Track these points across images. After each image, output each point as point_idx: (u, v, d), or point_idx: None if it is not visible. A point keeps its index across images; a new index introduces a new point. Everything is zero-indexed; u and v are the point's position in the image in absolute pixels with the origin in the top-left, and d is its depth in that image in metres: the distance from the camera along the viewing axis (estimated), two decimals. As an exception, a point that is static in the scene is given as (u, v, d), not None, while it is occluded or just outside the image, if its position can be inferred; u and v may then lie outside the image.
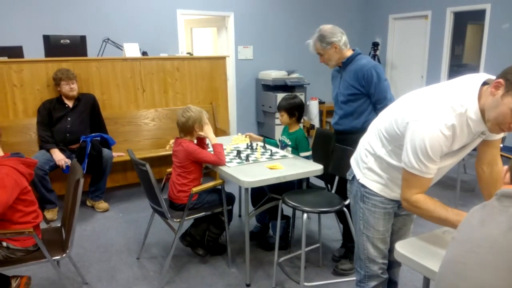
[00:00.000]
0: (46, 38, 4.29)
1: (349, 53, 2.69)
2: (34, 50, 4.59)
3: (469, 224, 1.10)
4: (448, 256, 1.12)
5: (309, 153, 3.12)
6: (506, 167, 1.15)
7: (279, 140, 3.37)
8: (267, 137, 3.57)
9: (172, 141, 3.04)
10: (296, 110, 3.16)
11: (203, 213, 2.88)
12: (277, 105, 3.24)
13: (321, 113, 7.71)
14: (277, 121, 6.73)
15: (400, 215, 1.92)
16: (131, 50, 4.77)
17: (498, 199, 1.05)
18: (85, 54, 4.47)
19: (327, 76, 7.79)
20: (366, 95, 2.65)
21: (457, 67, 7.66)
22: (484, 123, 1.46)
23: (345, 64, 2.70)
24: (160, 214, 2.86)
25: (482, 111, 1.43)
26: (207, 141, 3.06)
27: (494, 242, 0.97)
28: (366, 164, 1.80)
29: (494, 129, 1.43)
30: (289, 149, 3.20)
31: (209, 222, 3.04)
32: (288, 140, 3.23)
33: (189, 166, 2.83)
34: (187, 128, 2.85)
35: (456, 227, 1.44)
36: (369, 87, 2.59)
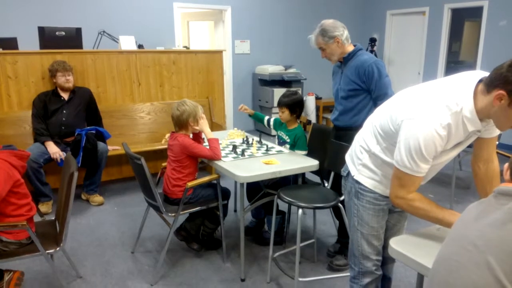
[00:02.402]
0: (41, 30, 4.25)
1: (350, 48, 2.67)
2: (29, 41, 4.55)
3: (464, 220, 1.10)
4: (442, 252, 1.12)
5: (305, 152, 3.11)
6: (507, 164, 1.14)
7: (277, 136, 3.35)
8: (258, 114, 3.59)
9: (167, 135, 3.02)
10: (297, 107, 3.14)
11: (198, 207, 2.87)
12: (278, 101, 3.19)
13: (317, 108, 7.71)
14: (274, 116, 6.72)
15: (395, 212, 1.92)
16: (127, 43, 4.74)
17: (495, 197, 1.05)
18: (80, 47, 4.43)
19: (324, 71, 7.79)
20: (366, 91, 2.63)
21: (454, 64, 7.67)
22: (480, 122, 1.45)
23: (346, 59, 2.68)
24: (155, 208, 2.85)
25: (478, 110, 1.43)
26: (203, 136, 3.04)
27: (488, 240, 0.97)
28: (361, 160, 1.79)
29: (506, 128, 1.44)
30: (287, 146, 3.18)
31: (204, 217, 3.03)
32: (287, 136, 3.21)
33: (184, 160, 2.82)
34: (181, 122, 2.83)
35: (451, 226, 1.45)
36: (370, 83, 2.58)
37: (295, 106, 3.12)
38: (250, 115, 3.52)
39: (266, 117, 3.48)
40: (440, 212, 1.53)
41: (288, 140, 3.20)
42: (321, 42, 2.66)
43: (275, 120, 3.38)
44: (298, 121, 3.27)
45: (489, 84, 1.37)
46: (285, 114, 3.14)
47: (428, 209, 1.54)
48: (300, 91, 6.97)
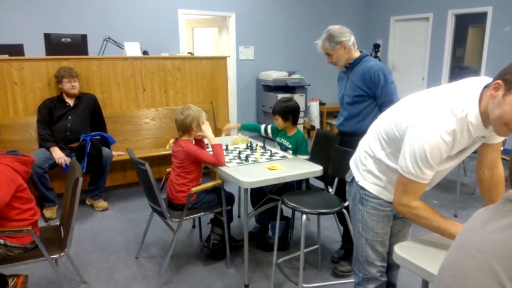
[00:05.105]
0: (47, 37, 4.29)
1: (356, 54, 2.68)
2: (35, 48, 4.59)
3: (471, 226, 1.09)
4: (447, 258, 1.11)
5: (307, 156, 3.11)
6: None
7: (277, 143, 3.36)
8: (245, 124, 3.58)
9: (172, 140, 3.04)
10: (289, 114, 3.15)
11: (202, 213, 2.87)
12: (272, 109, 3.21)
13: (321, 114, 7.71)
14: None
15: (399, 218, 1.91)
16: (132, 49, 4.77)
17: (503, 203, 1.04)
18: (86, 53, 4.47)
19: (327, 77, 7.80)
20: (372, 97, 2.63)
21: (458, 70, 7.67)
22: (484, 128, 1.44)
23: (352, 65, 2.69)
24: (159, 213, 2.86)
25: (483, 115, 1.42)
26: (206, 141, 3.05)
27: (494, 246, 0.96)
28: (365, 166, 1.79)
29: (501, 130, 1.39)
30: (290, 151, 3.19)
31: (215, 224, 3.04)
32: (288, 143, 3.22)
33: (188, 166, 2.83)
34: (184, 126, 2.84)
35: (453, 237, 1.43)
36: (376, 89, 2.58)
37: (286, 113, 3.14)
38: (241, 129, 3.50)
39: (263, 126, 3.46)
40: (443, 222, 1.52)
41: (290, 146, 3.20)
42: (327, 48, 2.66)
43: (272, 127, 3.38)
44: (300, 126, 3.27)
45: (492, 81, 1.37)
46: (279, 121, 3.18)
47: (431, 218, 1.53)
48: (303, 97, 6.98)
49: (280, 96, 6.72)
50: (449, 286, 1.04)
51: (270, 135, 3.42)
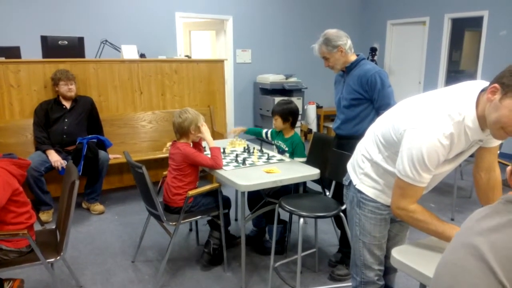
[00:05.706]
0: (44, 39, 4.27)
1: (353, 57, 2.68)
2: (32, 50, 4.58)
3: (470, 226, 1.09)
4: (446, 257, 1.11)
5: (304, 159, 3.11)
6: (509, 168, 1.13)
7: (275, 145, 3.36)
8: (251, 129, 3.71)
9: (169, 143, 3.03)
10: (290, 116, 3.16)
11: (199, 216, 2.86)
12: (272, 110, 3.24)
13: (318, 117, 7.72)
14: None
15: (397, 221, 1.91)
16: (129, 52, 4.77)
17: (503, 204, 1.04)
18: (82, 56, 4.46)
19: (325, 80, 7.82)
20: (369, 101, 2.64)
21: (455, 73, 7.69)
22: (482, 131, 1.45)
23: (349, 68, 2.69)
24: (155, 217, 2.84)
25: (480, 119, 1.43)
26: (204, 144, 3.05)
27: (492, 245, 0.96)
28: (362, 169, 1.79)
29: (498, 134, 1.40)
30: (287, 154, 3.19)
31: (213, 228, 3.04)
32: (285, 145, 3.22)
33: (185, 169, 2.82)
34: (182, 129, 2.83)
35: (450, 240, 1.43)
36: (373, 92, 2.58)
37: (287, 115, 3.15)
38: (245, 132, 3.57)
39: (264, 130, 3.53)
40: (441, 226, 1.52)
41: (287, 149, 3.20)
42: (324, 51, 2.66)
43: (272, 131, 3.41)
44: (297, 129, 3.29)
45: (489, 85, 1.38)
46: (278, 122, 3.18)
47: (428, 222, 1.54)
48: (301, 100, 6.99)
49: (277, 99, 6.74)
50: (447, 285, 1.03)
51: (270, 138, 3.45)
